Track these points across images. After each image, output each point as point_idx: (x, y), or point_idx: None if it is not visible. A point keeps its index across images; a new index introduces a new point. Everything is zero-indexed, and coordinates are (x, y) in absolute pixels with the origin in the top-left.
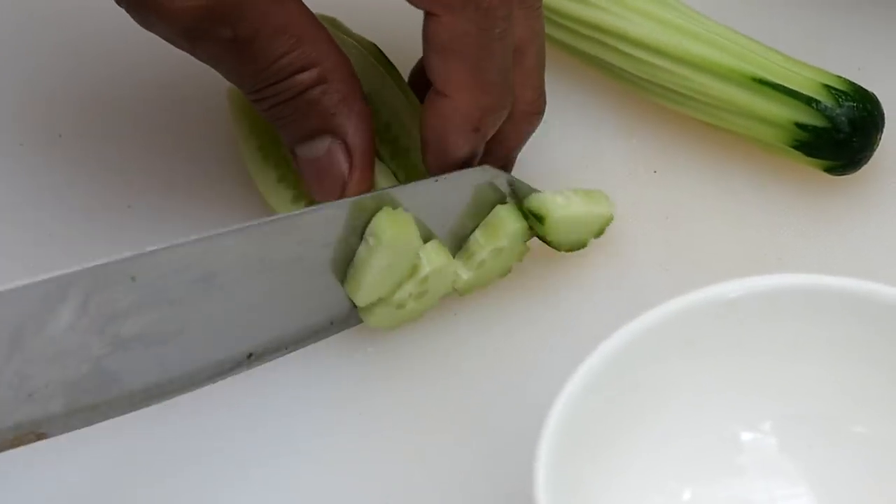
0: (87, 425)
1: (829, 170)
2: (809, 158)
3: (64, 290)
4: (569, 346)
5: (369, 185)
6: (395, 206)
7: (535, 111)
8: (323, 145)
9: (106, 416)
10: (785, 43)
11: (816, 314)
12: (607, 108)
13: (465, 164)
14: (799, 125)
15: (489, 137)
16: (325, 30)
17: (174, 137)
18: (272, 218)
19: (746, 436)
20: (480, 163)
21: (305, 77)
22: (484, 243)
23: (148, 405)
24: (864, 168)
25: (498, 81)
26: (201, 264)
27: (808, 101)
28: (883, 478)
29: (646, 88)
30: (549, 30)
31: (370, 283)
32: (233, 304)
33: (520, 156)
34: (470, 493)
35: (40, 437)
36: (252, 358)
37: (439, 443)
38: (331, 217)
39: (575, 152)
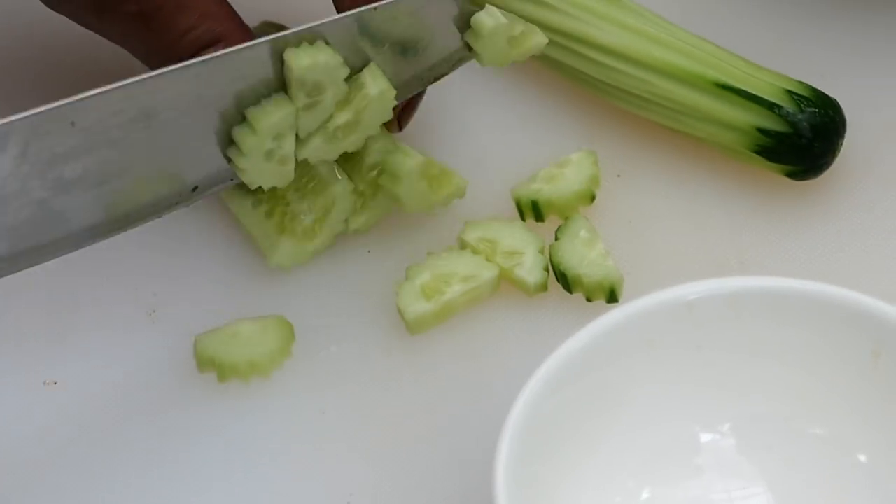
0: (34, 265)
1: (791, 175)
2: (771, 163)
3: (3, 140)
4: (532, 348)
5: None
6: (314, 40)
7: None
8: None
9: (53, 255)
10: (748, 49)
11: (776, 317)
12: (571, 112)
13: None
14: (761, 130)
15: None
16: (227, 4)
17: None
18: (205, 58)
19: (705, 436)
20: None
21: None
22: None
23: (94, 242)
24: (826, 173)
25: None
26: (139, 104)
27: (771, 106)
28: (839, 479)
29: (609, 93)
30: None
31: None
32: (174, 141)
33: (483, 158)
34: (431, 491)
35: None
36: (197, 191)
37: (402, 442)
38: (257, 55)
39: (539, 156)
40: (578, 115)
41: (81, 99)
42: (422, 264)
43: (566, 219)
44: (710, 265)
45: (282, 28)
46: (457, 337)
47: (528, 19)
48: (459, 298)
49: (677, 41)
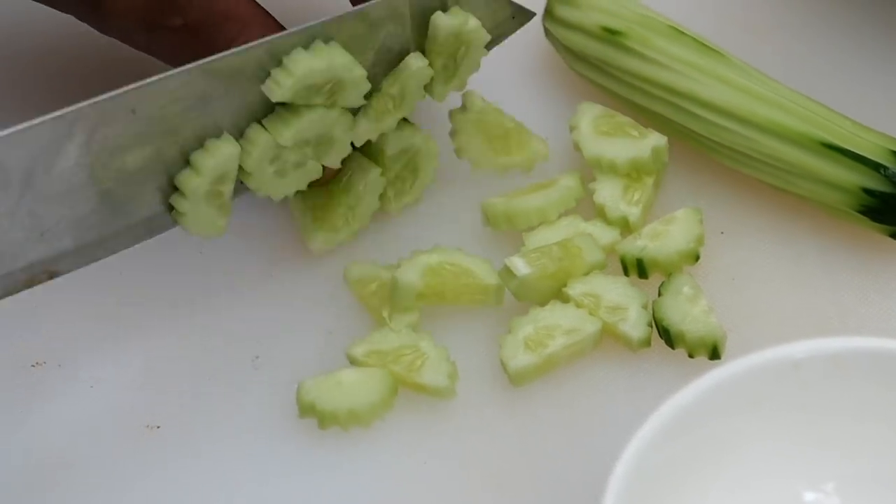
0: (95, 261)
1: (895, 235)
2: (875, 224)
3: (69, 127)
4: (633, 403)
5: None
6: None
7: None
8: None
9: (113, 250)
10: (853, 109)
11: (881, 377)
12: (675, 168)
13: None
14: (866, 190)
15: None
16: (265, 12)
17: None
18: (265, 40)
19: (809, 495)
20: None
21: None
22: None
23: (152, 236)
24: None
25: None
26: (196, 91)
27: (876, 166)
28: None
29: (713, 150)
30: (620, 90)
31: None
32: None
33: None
34: None
35: (52, 275)
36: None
37: (503, 493)
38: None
39: None
40: (682, 171)
41: (142, 86)
42: (525, 317)
43: (669, 275)
44: (812, 324)
45: None
46: (559, 390)
47: (634, 75)
48: (562, 352)
49: (783, 99)
